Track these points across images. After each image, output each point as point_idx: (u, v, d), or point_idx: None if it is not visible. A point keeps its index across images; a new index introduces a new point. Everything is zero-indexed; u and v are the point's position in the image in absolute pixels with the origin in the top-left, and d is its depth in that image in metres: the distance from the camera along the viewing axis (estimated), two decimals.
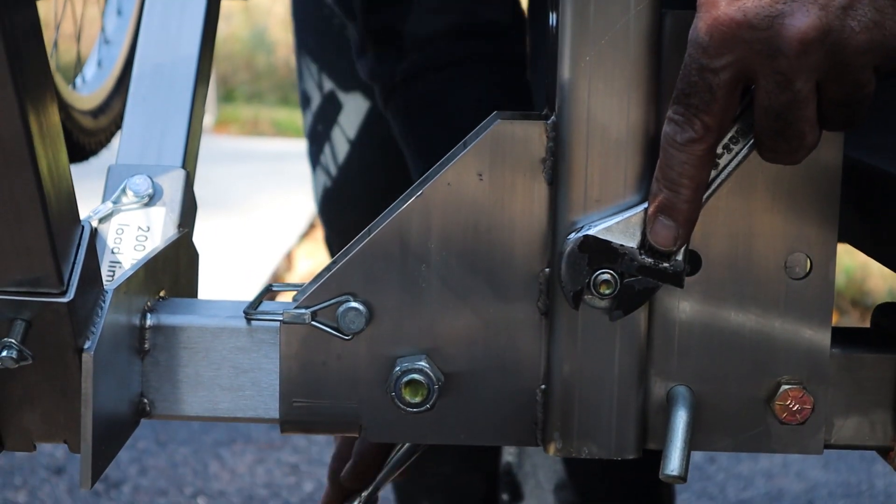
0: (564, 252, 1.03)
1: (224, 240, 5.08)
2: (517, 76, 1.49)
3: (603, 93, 1.03)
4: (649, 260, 1.02)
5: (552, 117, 1.05)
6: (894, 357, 1.09)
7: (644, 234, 1.02)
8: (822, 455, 3.29)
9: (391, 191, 1.11)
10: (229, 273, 4.57)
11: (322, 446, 3.35)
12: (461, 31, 1.44)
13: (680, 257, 1.02)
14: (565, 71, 1.04)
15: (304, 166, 1.99)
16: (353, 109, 1.87)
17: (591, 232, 1.03)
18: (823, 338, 1.08)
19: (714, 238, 1.07)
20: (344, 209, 1.93)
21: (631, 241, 1.03)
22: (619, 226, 1.03)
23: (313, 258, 5.19)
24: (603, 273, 1.03)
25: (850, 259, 4.73)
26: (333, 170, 1.91)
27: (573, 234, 1.03)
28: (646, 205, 1.02)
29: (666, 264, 1.02)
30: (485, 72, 1.46)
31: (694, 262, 1.07)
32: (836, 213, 1.07)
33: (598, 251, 1.03)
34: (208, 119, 8.16)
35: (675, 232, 1.01)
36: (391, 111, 1.50)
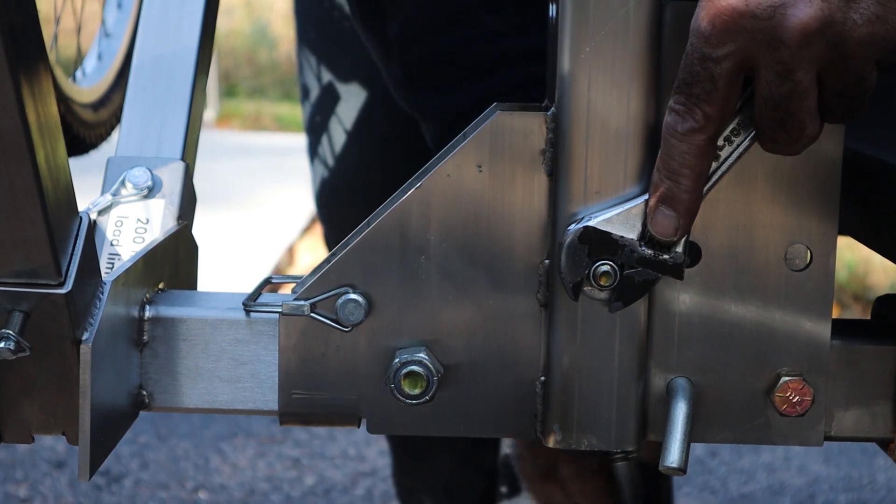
0: (564, 243, 1.03)
1: (226, 234, 5.08)
2: None
3: (603, 84, 1.03)
4: (649, 251, 1.02)
5: (552, 109, 1.05)
6: (894, 349, 1.09)
7: (644, 226, 1.02)
8: (824, 449, 3.29)
9: (391, 188, 1.10)
10: (231, 268, 4.58)
11: (323, 440, 3.35)
12: (515, 56, 1.42)
13: (680, 249, 1.02)
14: (565, 62, 1.03)
15: (306, 161, 1.99)
16: (352, 101, 1.86)
17: (592, 223, 1.03)
18: (823, 329, 1.08)
19: (714, 230, 1.06)
20: (343, 206, 1.92)
21: (631, 233, 1.02)
22: (619, 217, 1.02)
23: (315, 252, 5.19)
24: (603, 264, 1.03)
25: (851, 254, 4.73)
26: (332, 163, 1.90)
27: (573, 225, 1.03)
28: (646, 196, 1.02)
29: (666, 256, 1.02)
30: (542, 95, 1.45)
31: (694, 253, 1.07)
32: (836, 205, 1.06)
33: (598, 242, 1.02)
34: (210, 114, 8.17)
35: (676, 222, 1.00)
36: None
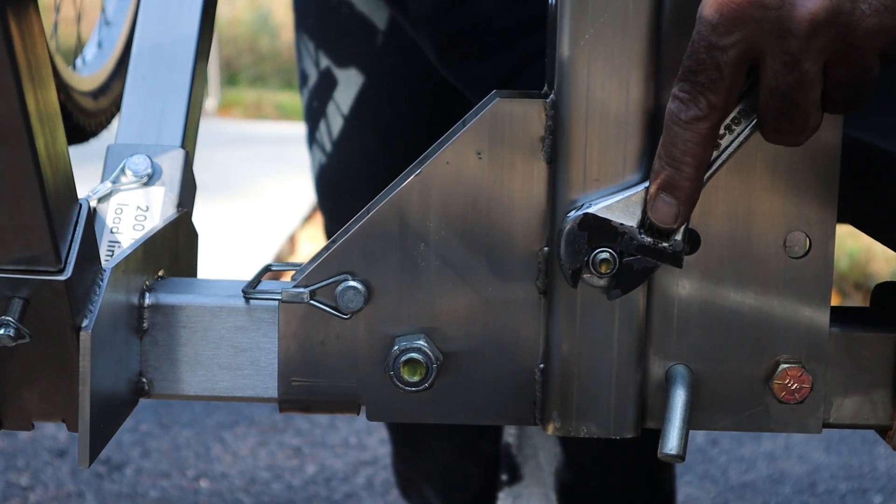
0: (564, 230, 1.03)
1: (227, 224, 5.08)
2: None
3: (602, 71, 1.03)
4: (649, 239, 1.02)
5: (551, 95, 1.05)
6: (893, 336, 1.09)
7: (644, 213, 1.02)
8: (825, 438, 3.29)
9: (392, 179, 1.10)
10: (233, 257, 4.58)
11: (324, 429, 3.35)
12: (543, 14, 1.41)
13: (679, 237, 1.02)
14: (564, 49, 1.03)
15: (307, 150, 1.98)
16: (350, 87, 1.86)
17: (591, 210, 1.03)
18: (822, 317, 1.08)
19: (713, 217, 1.06)
20: (344, 196, 1.91)
21: (631, 220, 1.02)
22: (619, 204, 1.02)
23: (316, 241, 5.19)
24: (602, 252, 1.03)
25: (853, 242, 4.73)
26: (331, 151, 1.89)
27: (572, 212, 1.03)
28: (646, 184, 1.02)
29: (665, 244, 1.02)
30: None
31: (693, 241, 1.07)
32: (835, 193, 1.06)
33: (598, 229, 1.02)
34: (212, 103, 8.16)
35: (677, 210, 1.00)
36: None
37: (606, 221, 1.03)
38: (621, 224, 1.02)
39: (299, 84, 1.93)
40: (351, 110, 1.85)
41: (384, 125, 1.85)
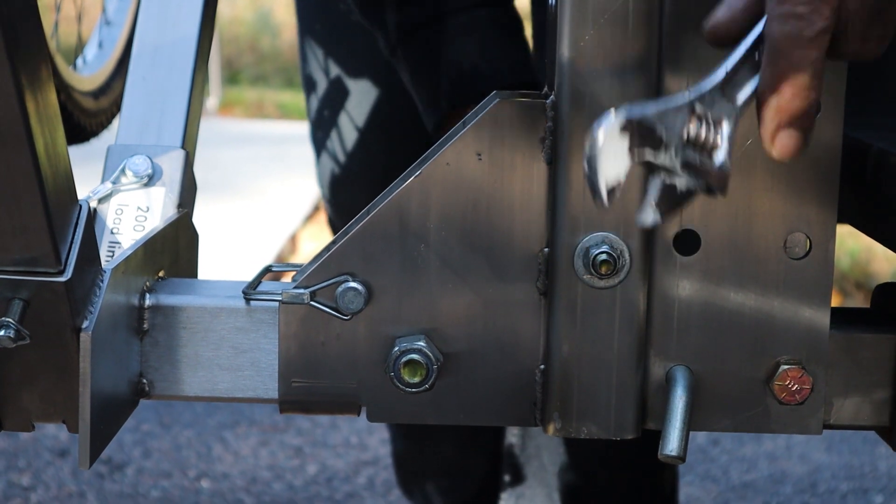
0: (597, 137, 0.89)
1: (229, 223, 5.08)
2: (513, 17, 1.47)
3: (602, 71, 1.03)
4: (694, 154, 0.91)
5: (551, 97, 1.05)
6: (894, 337, 1.09)
7: (687, 126, 0.91)
8: (826, 437, 3.29)
9: (392, 172, 1.10)
10: (234, 256, 4.58)
11: (326, 429, 3.35)
12: None
13: (725, 155, 0.91)
14: (565, 50, 1.03)
15: (309, 149, 1.98)
16: (361, 96, 1.86)
17: (634, 113, 0.90)
18: (822, 318, 1.07)
19: (713, 218, 1.06)
20: (350, 191, 1.91)
21: (672, 133, 0.91)
22: (660, 112, 0.91)
23: (318, 241, 5.19)
24: (601, 253, 1.03)
25: (854, 242, 4.73)
26: (341, 155, 1.90)
27: (609, 113, 0.90)
28: (687, 94, 0.91)
29: (710, 161, 0.91)
30: (482, 17, 1.44)
31: (693, 242, 1.06)
32: (835, 193, 1.06)
33: (642, 135, 0.90)
34: (213, 102, 8.16)
35: (802, 139, 0.90)
36: (397, 61, 1.49)
37: (650, 127, 0.90)
38: (665, 132, 0.91)
39: (305, 88, 1.92)
40: (365, 119, 1.85)
41: (383, 121, 1.85)
